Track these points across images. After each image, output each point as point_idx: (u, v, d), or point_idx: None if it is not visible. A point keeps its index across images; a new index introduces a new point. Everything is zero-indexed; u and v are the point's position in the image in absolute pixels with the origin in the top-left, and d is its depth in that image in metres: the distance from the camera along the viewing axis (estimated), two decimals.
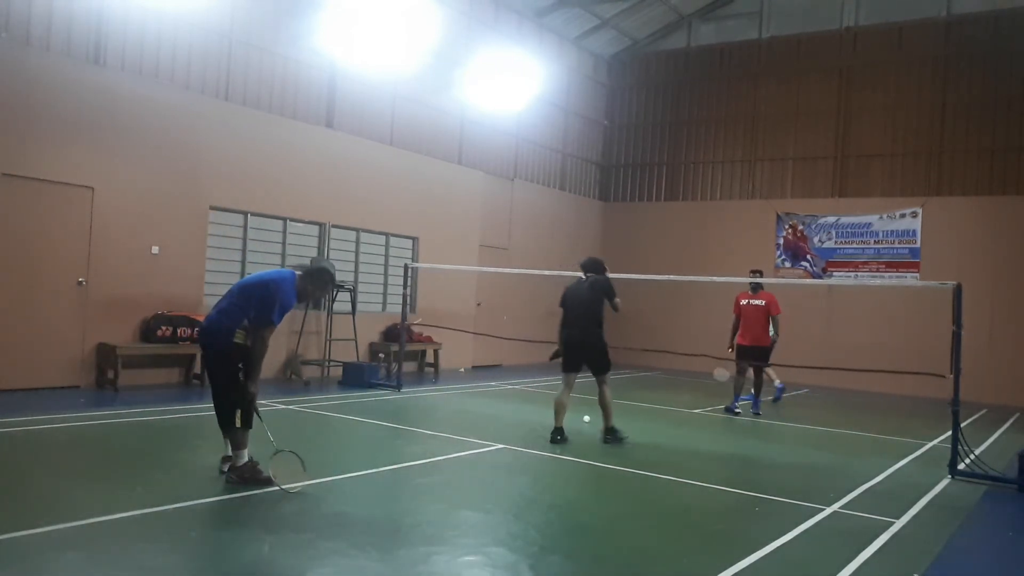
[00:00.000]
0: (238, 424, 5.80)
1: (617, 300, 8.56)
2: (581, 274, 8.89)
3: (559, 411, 8.38)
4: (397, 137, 14.69)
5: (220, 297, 6.11)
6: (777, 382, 13.33)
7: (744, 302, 11.53)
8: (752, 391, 11.82)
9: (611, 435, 8.49)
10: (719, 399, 12.46)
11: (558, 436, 8.26)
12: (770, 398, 12.51)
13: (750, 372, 11.67)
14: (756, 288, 11.52)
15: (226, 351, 5.80)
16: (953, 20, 16.73)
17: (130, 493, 5.39)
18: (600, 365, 8.52)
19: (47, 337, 9.68)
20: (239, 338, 5.78)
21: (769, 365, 12.16)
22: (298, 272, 6.11)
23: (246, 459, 5.80)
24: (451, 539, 4.91)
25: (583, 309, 8.52)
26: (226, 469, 5.89)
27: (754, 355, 11.38)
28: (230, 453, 5.91)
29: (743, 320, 11.51)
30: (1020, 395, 14.90)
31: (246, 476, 5.73)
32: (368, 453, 7.46)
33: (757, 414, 11.44)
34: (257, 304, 5.77)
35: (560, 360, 8.62)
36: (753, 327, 11.40)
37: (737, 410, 11.47)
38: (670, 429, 9.99)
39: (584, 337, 8.48)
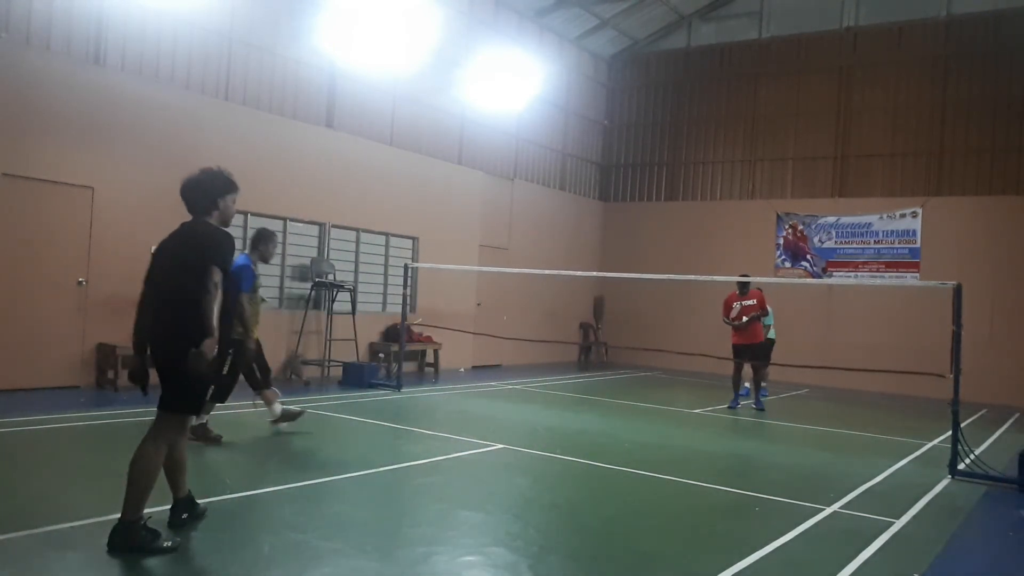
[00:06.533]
0: None
1: None
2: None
3: None
4: (397, 137, 14.69)
5: None
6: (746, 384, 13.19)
7: (735, 304, 11.81)
8: (747, 386, 12.12)
9: None
10: (719, 399, 12.48)
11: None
12: (750, 402, 12.36)
13: (746, 369, 11.99)
14: (744, 289, 11.78)
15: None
16: (953, 20, 16.72)
17: None
18: None
19: (47, 337, 9.68)
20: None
21: (768, 364, 12.35)
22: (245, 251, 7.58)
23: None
24: (451, 539, 4.91)
25: None
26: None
27: (749, 353, 11.70)
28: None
29: (737, 320, 11.80)
30: (1020, 395, 14.89)
31: (198, 434, 7.00)
32: (368, 453, 7.46)
33: (760, 409, 11.72)
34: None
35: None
36: (744, 327, 11.75)
37: (739, 405, 11.86)
38: (670, 429, 9.99)
39: None
